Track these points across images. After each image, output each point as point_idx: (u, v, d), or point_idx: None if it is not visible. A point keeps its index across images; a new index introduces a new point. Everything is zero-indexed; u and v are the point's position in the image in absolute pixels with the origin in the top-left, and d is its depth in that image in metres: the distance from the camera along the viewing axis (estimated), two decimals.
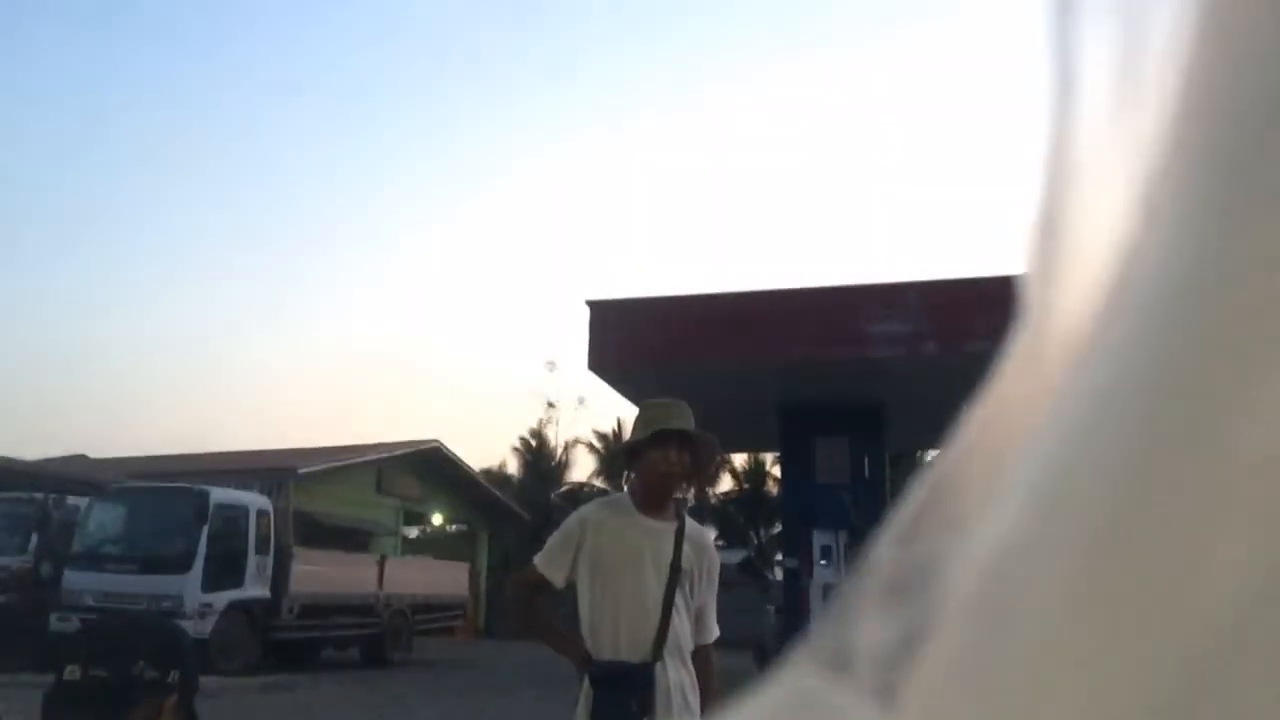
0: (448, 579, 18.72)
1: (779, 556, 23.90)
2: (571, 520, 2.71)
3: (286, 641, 13.95)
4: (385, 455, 22.36)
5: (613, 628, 2.56)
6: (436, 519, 26.48)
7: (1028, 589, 0.30)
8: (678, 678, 2.54)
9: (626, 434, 2.90)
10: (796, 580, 12.95)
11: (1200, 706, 0.27)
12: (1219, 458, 0.28)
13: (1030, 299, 0.36)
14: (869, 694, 0.36)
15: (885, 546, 0.39)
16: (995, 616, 0.31)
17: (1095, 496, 0.30)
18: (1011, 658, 0.30)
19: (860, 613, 0.38)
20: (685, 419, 2.66)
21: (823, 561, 12.81)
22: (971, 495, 0.36)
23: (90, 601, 11.81)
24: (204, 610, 12.21)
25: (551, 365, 30.36)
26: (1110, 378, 0.30)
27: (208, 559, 12.49)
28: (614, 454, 26.99)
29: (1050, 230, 0.35)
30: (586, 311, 11.85)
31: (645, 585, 2.57)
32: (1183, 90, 0.30)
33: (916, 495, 0.39)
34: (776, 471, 26.96)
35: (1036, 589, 0.30)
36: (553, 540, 2.70)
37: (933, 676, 0.33)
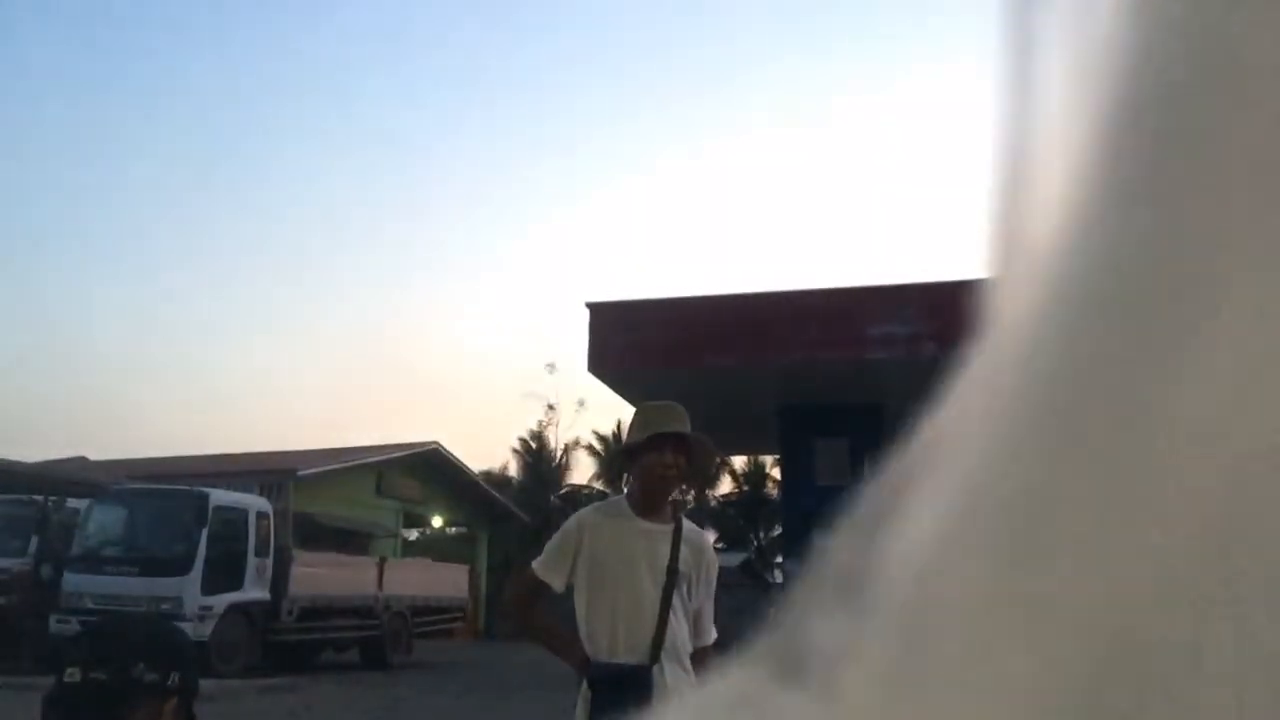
0: (447, 581, 18.72)
1: (779, 559, 23.89)
2: (569, 524, 2.72)
3: (286, 643, 13.94)
4: (385, 457, 22.38)
5: (610, 630, 2.56)
6: (436, 521, 26.48)
7: (947, 590, 0.32)
8: (675, 680, 2.54)
9: (625, 437, 2.91)
10: None
11: (1108, 702, 0.28)
12: (1132, 449, 0.29)
13: (991, 302, 0.37)
14: (818, 690, 0.37)
15: (840, 545, 0.40)
16: (918, 616, 0.33)
17: (1015, 486, 0.31)
18: (933, 656, 0.31)
19: (815, 610, 0.39)
20: (681, 422, 2.66)
21: None
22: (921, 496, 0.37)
23: (90, 603, 11.80)
24: (203, 612, 12.20)
25: (551, 367, 30.37)
26: (1028, 379, 0.32)
27: (207, 561, 12.49)
28: (612, 456, 27.00)
29: (1007, 233, 0.36)
30: (587, 314, 11.86)
31: (642, 588, 2.57)
32: (1111, 90, 0.31)
33: (872, 495, 0.39)
34: (776, 473, 26.96)
35: (955, 590, 0.31)
36: (551, 544, 2.71)
37: (863, 674, 0.34)
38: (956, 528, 0.32)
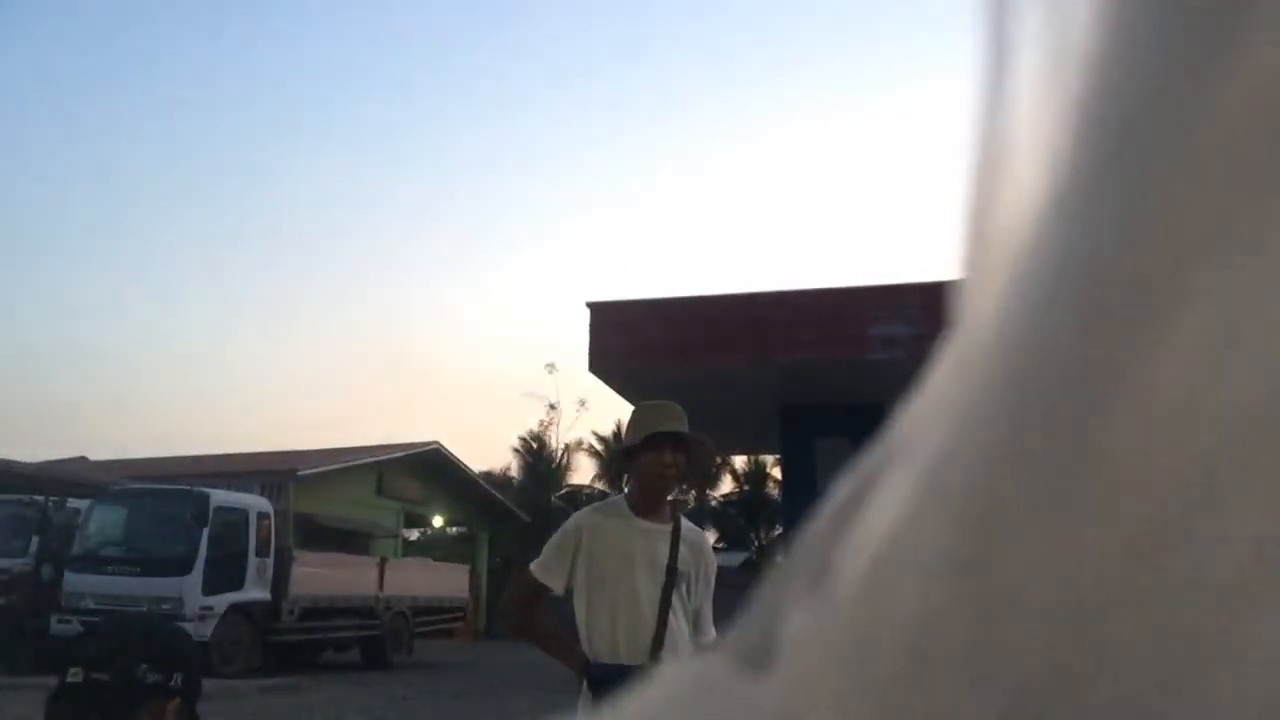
0: (448, 581, 18.72)
1: (779, 559, 23.87)
2: (568, 525, 2.71)
3: (287, 644, 13.94)
4: (386, 457, 22.37)
5: (611, 630, 2.56)
6: (437, 521, 26.46)
7: (908, 563, 0.32)
8: None
9: (623, 437, 2.90)
10: None
11: (1068, 680, 0.28)
12: (1090, 442, 0.29)
13: (962, 301, 0.37)
14: (776, 672, 0.37)
15: (811, 538, 0.40)
16: (876, 590, 0.33)
17: (972, 476, 0.31)
18: (890, 628, 0.32)
19: (784, 602, 0.39)
20: (679, 421, 2.65)
21: None
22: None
23: (91, 604, 11.81)
24: (204, 613, 12.20)
25: (551, 367, 30.34)
26: (991, 364, 0.32)
27: (208, 561, 12.48)
28: (612, 456, 26.99)
29: (979, 232, 0.36)
30: (587, 313, 11.87)
31: (642, 587, 2.57)
32: (1085, 87, 0.31)
33: (844, 487, 0.40)
34: (777, 473, 26.96)
35: (916, 563, 0.31)
36: (549, 546, 2.69)
37: (814, 647, 0.34)
38: (922, 502, 0.32)
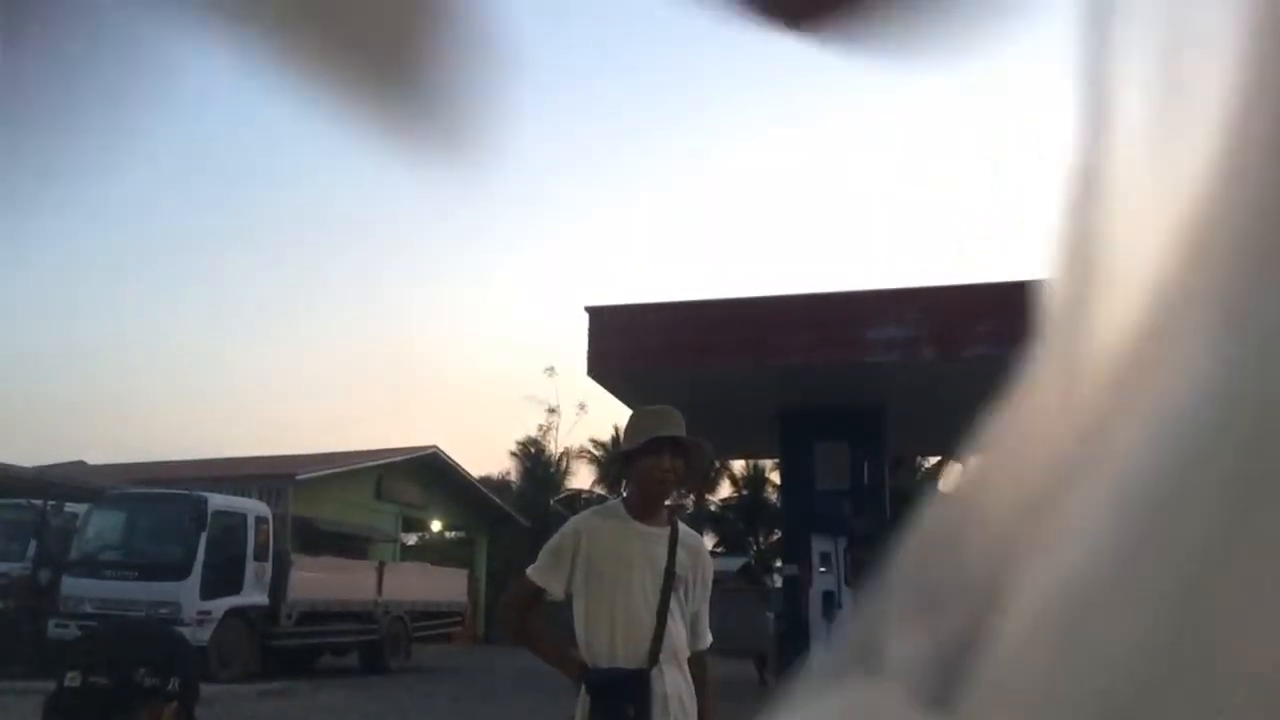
0: (446, 585, 18.70)
1: (778, 563, 23.89)
2: (566, 528, 2.71)
3: (285, 648, 13.92)
4: (385, 461, 22.38)
5: (609, 634, 2.56)
6: (435, 525, 26.45)
7: (1115, 616, 0.28)
8: (675, 684, 2.54)
9: (621, 442, 2.91)
10: (796, 587, 12.95)
11: None
12: None
13: (1055, 319, 0.34)
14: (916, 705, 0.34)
15: (913, 557, 0.37)
16: (1073, 643, 0.29)
17: (1201, 528, 0.26)
18: (1087, 687, 0.28)
19: (892, 623, 0.36)
20: (677, 425, 2.66)
21: (822, 568, 12.81)
22: (1001, 510, 0.34)
23: (88, 608, 11.79)
24: (202, 617, 12.18)
25: (551, 371, 30.34)
26: (1214, 403, 0.27)
27: (206, 565, 12.47)
28: (610, 460, 27.00)
29: (1079, 252, 0.34)
30: (586, 318, 11.87)
31: (640, 591, 2.57)
32: (1240, 113, 0.27)
33: (942, 506, 0.37)
34: (776, 477, 26.96)
35: (1125, 618, 0.27)
36: (547, 549, 2.69)
37: (994, 696, 0.31)
38: (1131, 550, 0.28)
